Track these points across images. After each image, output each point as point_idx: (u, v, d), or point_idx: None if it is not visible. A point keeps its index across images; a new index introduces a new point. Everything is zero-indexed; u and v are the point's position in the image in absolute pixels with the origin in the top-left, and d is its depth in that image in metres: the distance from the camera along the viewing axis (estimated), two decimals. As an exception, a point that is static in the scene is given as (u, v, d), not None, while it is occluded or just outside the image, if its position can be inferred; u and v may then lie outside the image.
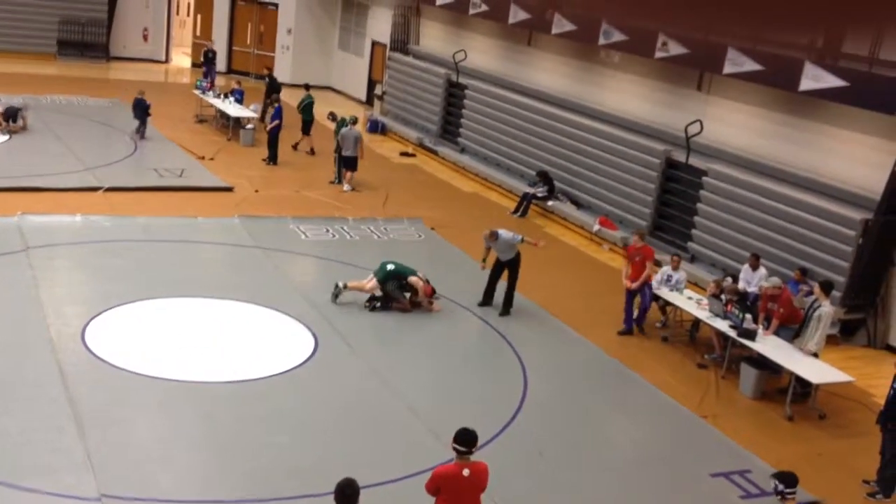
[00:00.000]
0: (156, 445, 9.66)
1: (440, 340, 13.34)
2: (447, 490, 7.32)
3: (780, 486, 7.62)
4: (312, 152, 22.78)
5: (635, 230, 15.57)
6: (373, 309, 13.71)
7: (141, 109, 22.00)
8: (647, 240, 18.20)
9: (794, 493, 7.61)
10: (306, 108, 22.77)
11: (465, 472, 7.31)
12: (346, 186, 20.30)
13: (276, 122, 21.40)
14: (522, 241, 14.20)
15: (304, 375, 11.58)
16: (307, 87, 23.97)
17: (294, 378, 11.48)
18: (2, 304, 12.46)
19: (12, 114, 20.88)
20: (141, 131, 22.00)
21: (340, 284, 13.84)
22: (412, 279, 13.90)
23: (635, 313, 14.22)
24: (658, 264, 16.67)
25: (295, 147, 22.82)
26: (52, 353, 11.13)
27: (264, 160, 21.48)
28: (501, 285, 14.37)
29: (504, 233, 14.23)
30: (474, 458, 7.41)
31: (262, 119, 24.34)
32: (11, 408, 9.91)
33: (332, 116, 21.11)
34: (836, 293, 14.62)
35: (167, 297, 13.30)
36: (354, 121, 20.78)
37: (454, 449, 7.33)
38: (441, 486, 7.33)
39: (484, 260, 14.42)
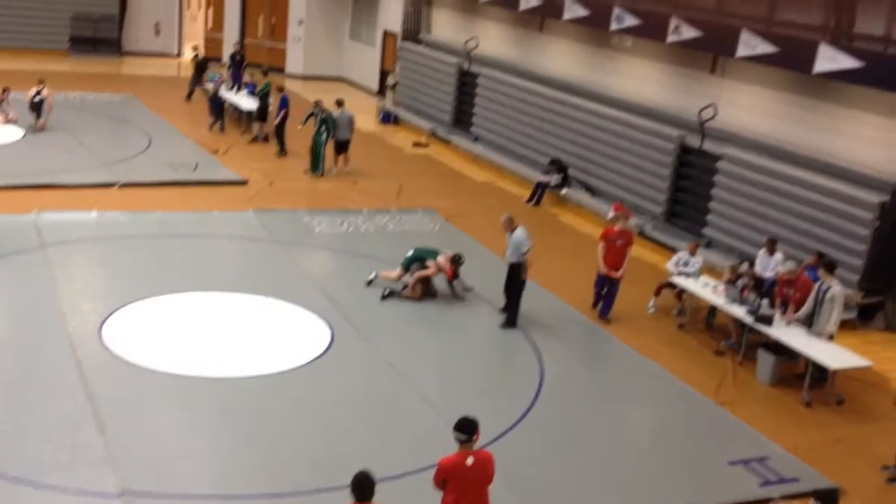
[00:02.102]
0: (175, 440, 9.72)
1: (456, 332, 13.34)
2: (453, 481, 7.27)
3: None
4: (266, 139, 22.46)
5: (620, 212, 14.90)
6: (383, 298, 13.78)
7: (217, 104, 22.99)
8: (660, 226, 18.25)
9: None
10: (263, 95, 22.63)
11: (469, 460, 7.28)
12: (346, 169, 20.57)
13: (283, 111, 21.41)
14: (526, 252, 13.10)
15: (321, 368, 11.62)
16: (266, 72, 23.97)
17: (311, 371, 11.51)
18: (19, 301, 12.55)
19: (36, 107, 21.03)
20: (218, 124, 23.09)
21: (373, 275, 14.15)
22: (429, 262, 13.96)
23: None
24: (673, 250, 16.65)
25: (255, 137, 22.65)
26: (70, 350, 11.21)
27: (276, 153, 21.52)
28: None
29: (520, 232, 13.15)
30: (485, 448, 7.40)
31: (188, 98, 26.16)
32: (30, 405, 9.99)
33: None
34: (853, 276, 14.56)
35: (184, 291, 13.35)
36: (341, 102, 20.81)
37: (456, 439, 7.31)
38: (447, 477, 7.29)
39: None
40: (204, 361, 11.37)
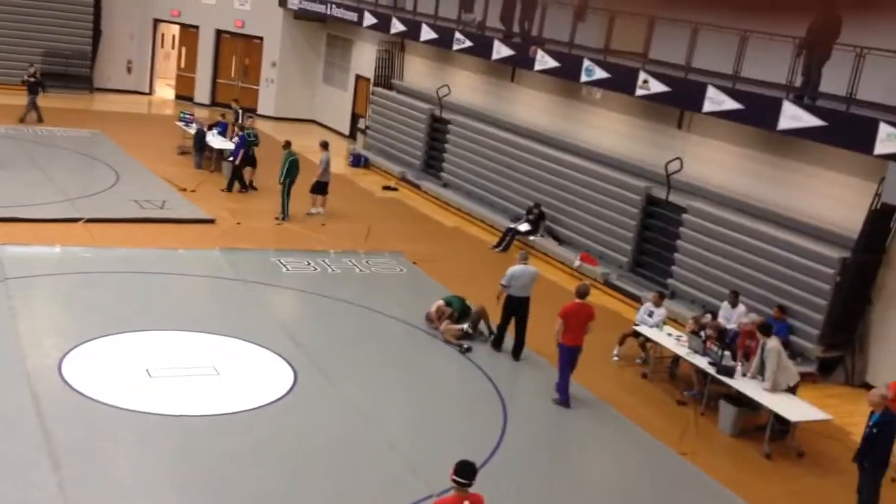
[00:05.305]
0: (131, 479, 9.55)
1: (421, 376, 13.31)
2: None
3: None
4: (251, 185, 22.23)
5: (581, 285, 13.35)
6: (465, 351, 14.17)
7: (200, 144, 23.45)
8: (625, 276, 18.37)
9: None
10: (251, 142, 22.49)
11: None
12: (320, 210, 20.74)
13: (241, 151, 21.53)
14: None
15: (283, 410, 11.51)
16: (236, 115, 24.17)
17: (272, 412, 11.40)
18: (-22, 335, 12.35)
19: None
20: (195, 162, 23.51)
21: (465, 346, 14.24)
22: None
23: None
24: (638, 300, 16.78)
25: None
26: (28, 385, 11.03)
27: (222, 189, 21.55)
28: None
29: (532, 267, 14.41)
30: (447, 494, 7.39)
31: (21, 121, 25.69)
32: (-15, 440, 9.80)
33: (286, 144, 20.66)
34: (814, 331, 14.75)
35: (147, 329, 13.21)
36: (326, 145, 20.98)
37: (454, 481, 7.33)
38: None
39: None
40: (164, 400, 11.22)
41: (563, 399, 12.63)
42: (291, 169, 20.00)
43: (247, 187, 21.88)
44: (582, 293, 12.85)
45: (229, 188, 21.61)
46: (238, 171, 21.69)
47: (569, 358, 12.59)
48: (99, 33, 32.09)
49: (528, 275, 14.04)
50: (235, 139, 22.73)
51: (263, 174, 22.00)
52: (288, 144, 20.36)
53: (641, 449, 11.89)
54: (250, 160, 22.01)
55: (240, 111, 25.56)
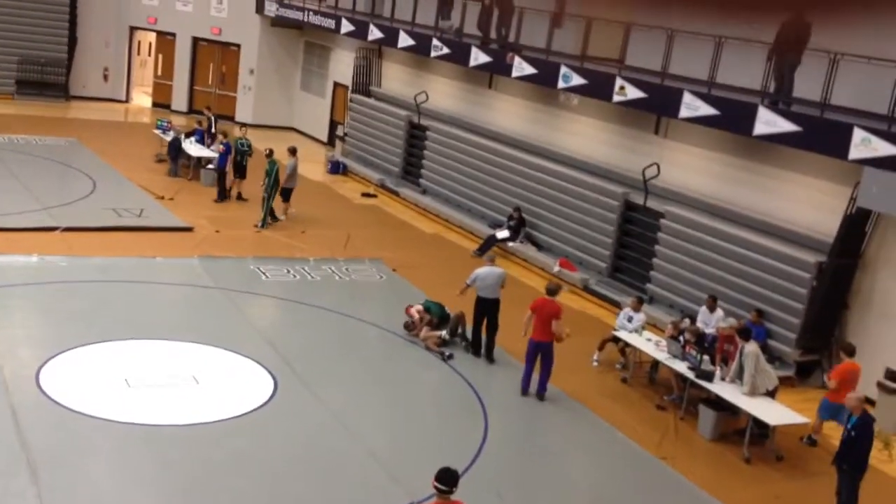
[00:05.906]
0: (110, 490, 9.49)
1: (401, 383, 13.31)
2: None
3: None
4: (240, 197, 22.10)
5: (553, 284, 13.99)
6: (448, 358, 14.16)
7: (175, 151, 23.31)
8: (604, 281, 18.47)
9: None
10: (243, 152, 22.35)
11: None
12: (290, 211, 20.73)
13: (227, 158, 21.43)
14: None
15: (263, 418, 11.47)
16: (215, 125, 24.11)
17: (252, 421, 11.36)
18: (-46, 345, 12.24)
19: None
20: (171, 169, 23.17)
21: (447, 353, 14.25)
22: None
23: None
24: (618, 305, 16.85)
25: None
26: (5, 396, 10.93)
27: (215, 200, 21.44)
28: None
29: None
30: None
31: None
32: (-38, 452, 9.71)
33: (269, 152, 20.45)
34: (791, 335, 14.86)
35: (125, 339, 13.13)
36: (294, 151, 20.88)
37: (435, 488, 7.34)
38: None
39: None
40: (143, 410, 11.16)
41: (523, 388, 13.15)
42: (277, 177, 19.99)
43: (226, 196, 21.79)
44: (550, 290, 13.36)
45: (219, 198, 21.48)
46: (224, 178, 21.55)
47: (531, 351, 13.04)
48: (74, 41, 31.88)
49: (494, 276, 14.21)
50: (220, 146, 22.49)
51: (247, 183, 21.88)
52: (271, 153, 20.31)
53: (622, 453, 11.93)
54: (241, 170, 21.79)
55: (213, 118, 25.48)
